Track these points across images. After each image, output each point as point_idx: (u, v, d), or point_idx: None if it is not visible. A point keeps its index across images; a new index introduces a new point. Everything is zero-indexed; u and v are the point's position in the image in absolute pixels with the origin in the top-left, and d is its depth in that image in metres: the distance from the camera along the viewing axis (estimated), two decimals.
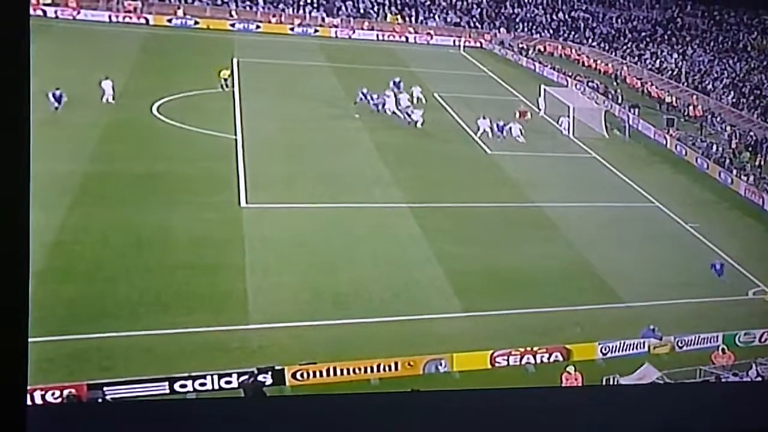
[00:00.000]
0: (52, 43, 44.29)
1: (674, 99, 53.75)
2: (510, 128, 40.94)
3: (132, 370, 19.13)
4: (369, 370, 20.76)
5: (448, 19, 67.50)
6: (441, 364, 21.32)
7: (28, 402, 3.01)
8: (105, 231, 25.39)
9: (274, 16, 60.88)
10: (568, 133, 43.54)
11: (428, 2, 67.88)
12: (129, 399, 17.89)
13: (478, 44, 65.55)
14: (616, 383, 20.58)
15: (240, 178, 30.98)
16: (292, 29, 60.33)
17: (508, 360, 22.06)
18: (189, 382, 19.16)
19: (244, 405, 5.39)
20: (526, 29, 69.34)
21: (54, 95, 34.89)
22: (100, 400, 17.69)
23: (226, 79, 42.73)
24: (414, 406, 4.05)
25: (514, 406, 4.06)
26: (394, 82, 44.73)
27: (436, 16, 67.12)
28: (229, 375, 19.49)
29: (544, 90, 47.93)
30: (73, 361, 19.33)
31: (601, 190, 36.25)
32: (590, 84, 54.12)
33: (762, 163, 42.32)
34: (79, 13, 53.92)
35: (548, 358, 22.40)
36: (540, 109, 46.24)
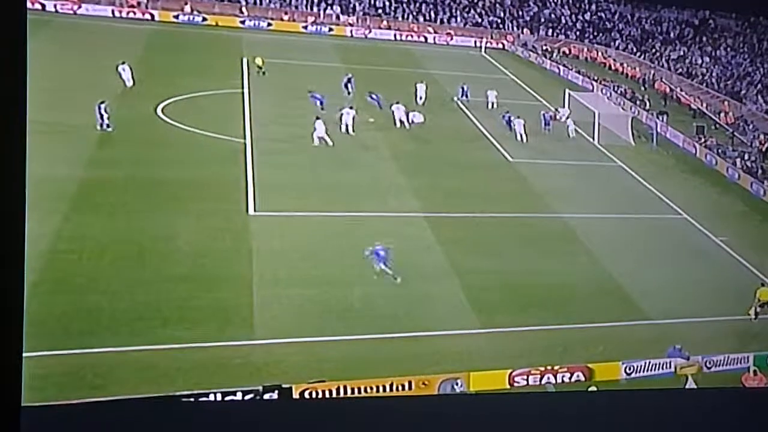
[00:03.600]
0: (51, 39, 43.54)
1: (705, 105, 52.53)
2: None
3: (130, 388, 18.59)
4: (381, 389, 20.44)
5: (469, 19, 66.61)
6: (457, 384, 20.98)
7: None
8: (103, 240, 24.55)
9: (286, 13, 59.89)
10: (594, 140, 42.60)
11: (449, 0, 67.05)
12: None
13: (500, 45, 64.68)
14: None
15: (248, 184, 30.05)
16: (305, 27, 59.40)
17: (527, 379, 21.82)
18: (191, 401, 18.65)
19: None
20: (550, 30, 68.38)
21: (100, 109, 32.60)
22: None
23: (260, 66, 43.34)
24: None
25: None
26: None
27: (457, 16, 66.22)
28: (234, 393, 19.08)
29: (569, 95, 46.92)
30: (67, 378, 18.71)
31: (626, 201, 35.26)
32: (617, 89, 53.11)
33: None
34: (80, 7, 52.48)
35: (569, 378, 22.16)
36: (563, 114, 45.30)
